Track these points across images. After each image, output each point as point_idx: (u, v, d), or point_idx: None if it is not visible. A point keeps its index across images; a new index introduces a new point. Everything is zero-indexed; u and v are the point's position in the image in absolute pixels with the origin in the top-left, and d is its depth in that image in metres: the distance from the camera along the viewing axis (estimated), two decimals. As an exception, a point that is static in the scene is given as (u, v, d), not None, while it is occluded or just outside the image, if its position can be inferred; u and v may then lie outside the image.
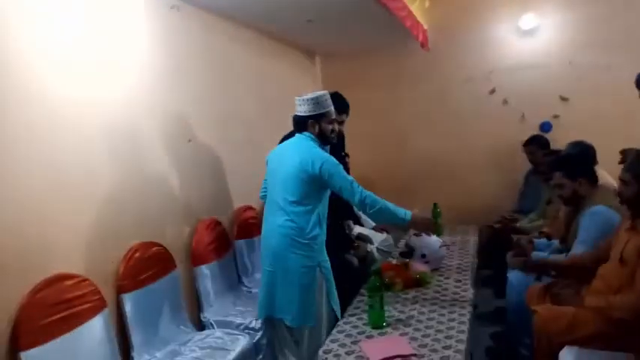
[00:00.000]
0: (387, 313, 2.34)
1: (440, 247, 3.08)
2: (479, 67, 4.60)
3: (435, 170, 4.83)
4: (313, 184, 2.33)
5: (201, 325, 2.68)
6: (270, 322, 2.55)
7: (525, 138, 4.30)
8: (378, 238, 4.14)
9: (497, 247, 4.04)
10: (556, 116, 4.40)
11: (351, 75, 5.00)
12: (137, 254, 2.36)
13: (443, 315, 2.35)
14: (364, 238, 3.88)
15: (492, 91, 4.57)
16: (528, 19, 4.37)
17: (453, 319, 2.30)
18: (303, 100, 2.40)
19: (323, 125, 2.43)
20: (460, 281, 2.82)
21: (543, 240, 3.04)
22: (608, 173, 3.19)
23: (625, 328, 1.96)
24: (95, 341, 2.01)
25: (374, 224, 4.41)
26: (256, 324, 2.57)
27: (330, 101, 2.45)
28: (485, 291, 4.07)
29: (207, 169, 3.07)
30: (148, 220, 2.52)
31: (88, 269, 2.12)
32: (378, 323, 2.26)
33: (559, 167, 2.61)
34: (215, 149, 3.16)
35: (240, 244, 3.16)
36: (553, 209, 3.38)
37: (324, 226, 2.44)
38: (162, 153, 2.67)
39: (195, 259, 2.73)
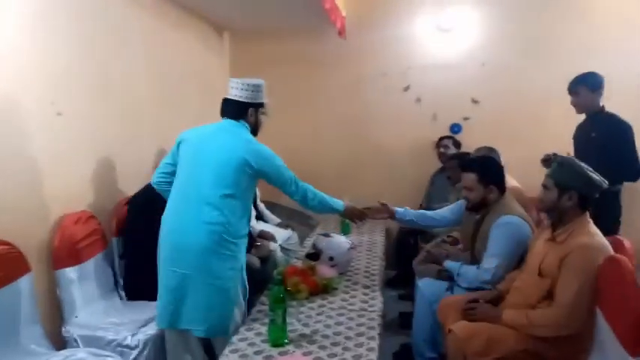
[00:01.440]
0: (289, 327, 2.07)
1: (348, 249, 2.85)
2: (395, 63, 4.44)
3: (344, 164, 4.62)
4: (251, 179, 2.19)
5: (62, 342, 2.18)
6: (170, 334, 2.21)
7: (436, 138, 4.25)
8: (282, 235, 3.85)
9: (404, 247, 3.97)
10: (466, 118, 4.39)
11: (262, 56, 4.62)
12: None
13: (350, 328, 2.11)
14: (267, 236, 3.56)
15: (407, 88, 4.45)
16: (447, 17, 4.29)
17: (361, 334, 2.07)
18: (246, 84, 2.24)
19: (259, 116, 2.33)
20: (369, 287, 2.61)
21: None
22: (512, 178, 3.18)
23: (546, 343, 1.85)
24: None
25: (278, 220, 4.11)
26: (132, 340, 2.13)
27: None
28: (389, 293, 3.95)
29: (80, 151, 2.49)
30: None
31: None
32: (279, 341, 1.97)
33: (472, 169, 2.48)
34: (92, 127, 2.59)
35: (120, 242, 2.66)
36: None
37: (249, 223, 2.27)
38: (20, 126, 2.12)
39: (58, 260, 2.20)
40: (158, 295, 2.17)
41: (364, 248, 3.42)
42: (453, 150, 4.11)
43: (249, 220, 2.27)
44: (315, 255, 2.83)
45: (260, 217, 4.06)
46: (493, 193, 2.44)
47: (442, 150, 4.15)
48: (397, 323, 3.38)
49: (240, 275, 2.23)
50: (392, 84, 4.46)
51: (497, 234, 2.33)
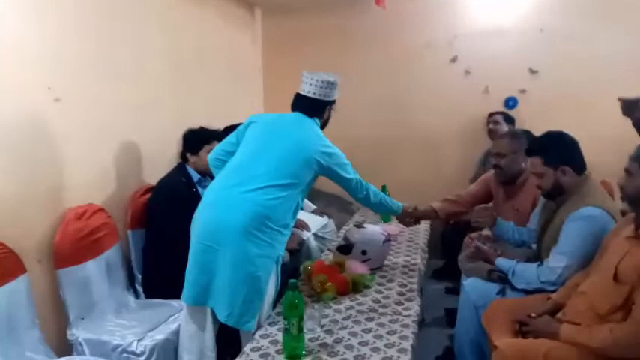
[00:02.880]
0: (310, 335, 1.82)
1: (384, 242, 2.54)
2: (440, 32, 4.02)
3: (386, 146, 4.26)
4: (314, 176, 2.15)
5: (67, 346, 2.03)
6: (193, 311, 2.06)
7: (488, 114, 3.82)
8: (317, 223, 3.58)
9: (452, 235, 3.59)
10: (523, 91, 3.90)
11: (296, 34, 4.33)
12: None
13: (379, 337, 1.82)
14: (298, 225, 3.31)
15: (454, 60, 4.02)
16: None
17: (391, 344, 1.77)
18: (321, 81, 2.17)
19: (331, 113, 2.33)
20: (405, 286, 2.29)
21: (507, 224, 2.53)
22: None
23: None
24: None
25: (314, 207, 3.84)
26: (138, 346, 1.95)
27: None
28: (434, 286, 3.62)
29: (83, 140, 2.30)
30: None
31: None
32: (293, 354, 1.70)
33: (535, 152, 2.08)
34: (99, 114, 2.39)
35: (137, 235, 2.49)
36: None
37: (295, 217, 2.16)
38: (16, 112, 1.95)
39: (60, 259, 2.03)
40: (186, 270, 2.04)
41: (405, 238, 3.09)
42: (504, 127, 3.69)
43: (295, 214, 2.14)
44: (346, 248, 2.55)
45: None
46: (567, 175, 2.01)
47: (492, 127, 3.73)
48: (444, 320, 3.06)
49: (274, 267, 2.07)
50: (437, 56, 4.04)
51: (573, 228, 1.92)
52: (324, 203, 4.20)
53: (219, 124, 2.90)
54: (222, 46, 3.75)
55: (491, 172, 2.81)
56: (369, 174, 4.19)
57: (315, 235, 3.47)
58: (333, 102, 2.29)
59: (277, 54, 4.36)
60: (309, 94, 2.19)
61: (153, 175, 2.62)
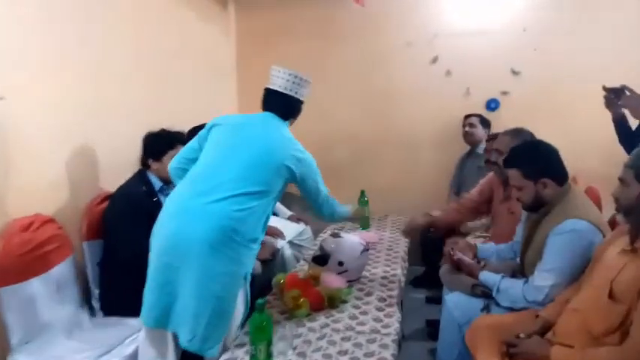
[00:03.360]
0: (281, 357, 1.65)
1: (362, 252, 2.39)
2: (421, 31, 3.87)
3: (364, 149, 4.10)
4: (285, 183, 1.99)
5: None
6: (152, 334, 1.88)
7: (470, 116, 3.70)
8: (293, 230, 3.41)
9: (430, 242, 3.46)
10: (505, 92, 3.79)
11: (271, 29, 4.14)
12: None
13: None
14: (272, 232, 3.14)
15: (435, 60, 3.88)
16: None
17: (369, 367, 1.62)
18: (299, 78, 2.05)
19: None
20: (385, 300, 2.15)
21: (489, 245, 2.40)
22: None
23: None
24: None
25: (290, 213, 3.67)
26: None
27: None
28: (414, 295, 3.48)
29: (33, 142, 2.07)
30: None
31: None
32: (261, 381, 1.54)
33: (512, 164, 1.95)
34: (48, 113, 2.15)
35: (94, 247, 2.27)
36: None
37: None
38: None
39: (1, 276, 1.79)
40: (145, 289, 1.86)
41: (384, 247, 2.95)
42: (480, 130, 3.58)
43: (265, 226, 1.97)
44: (322, 258, 2.39)
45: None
46: (548, 187, 1.87)
47: (468, 129, 3.62)
48: (425, 332, 2.93)
49: (241, 285, 1.89)
50: (417, 55, 3.90)
51: (558, 243, 1.78)
52: (300, 208, 4.03)
53: (189, 126, 2.71)
54: (194, 42, 3.55)
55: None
56: (345, 174, 4.11)
57: (290, 242, 3.30)
58: (302, 102, 2.13)
59: (252, 50, 4.18)
60: (281, 89, 2.04)
61: (113, 182, 2.40)
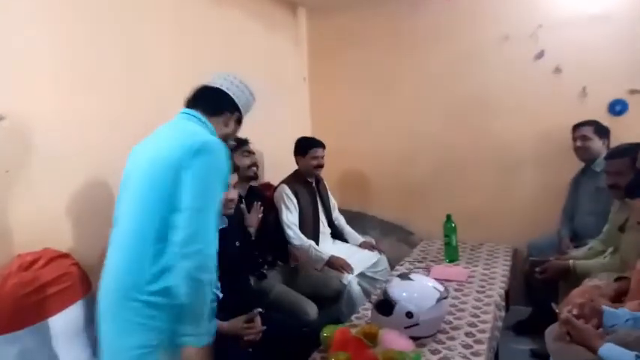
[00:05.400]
0: None
1: (438, 300, 1.85)
2: (521, 21, 3.26)
3: (452, 167, 3.55)
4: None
5: None
6: None
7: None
8: (365, 260, 2.93)
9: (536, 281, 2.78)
10: (634, 91, 3.01)
11: (345, 35, 3.78)
12: None
13: None
14: (337, 265, 2.70)
15: (540, 55, 3.22)
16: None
17: None
18: (245, 86, 1.73)
19: (236, 126, 1.75)
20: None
21: (621, 310, 1.69)
22: None
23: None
24: None
25: (362, 239, 3.19)
26: None
27: None
28: (515, 346, 2.80)
29: (45, 167, 1.83)
30: None
31: None
32: None
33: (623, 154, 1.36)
34: (71, 133, 1.94)
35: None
36: (633, 240, 2.07)
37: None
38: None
39: None
40: None
41: (474, 285, 2.36)
42: (596, 142, 2.85)
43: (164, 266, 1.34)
44: (386, 306, 1.89)
45: (337, 235, 3.19)
46: None
47: (579, 144, 2.90)
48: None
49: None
50: (517, 51, 3.28)
51: None
52: (377, 233, 3.54)
53: (260, 147, 2.41)
54: (257, 51, 3.25)
55: None
56: (429, 196, 3.58)
57: (362, 275, 2.83)
58: (240, 111, 1.74)
59: (324, 59, 3.85)
60: (216, 85, 1.70)
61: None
